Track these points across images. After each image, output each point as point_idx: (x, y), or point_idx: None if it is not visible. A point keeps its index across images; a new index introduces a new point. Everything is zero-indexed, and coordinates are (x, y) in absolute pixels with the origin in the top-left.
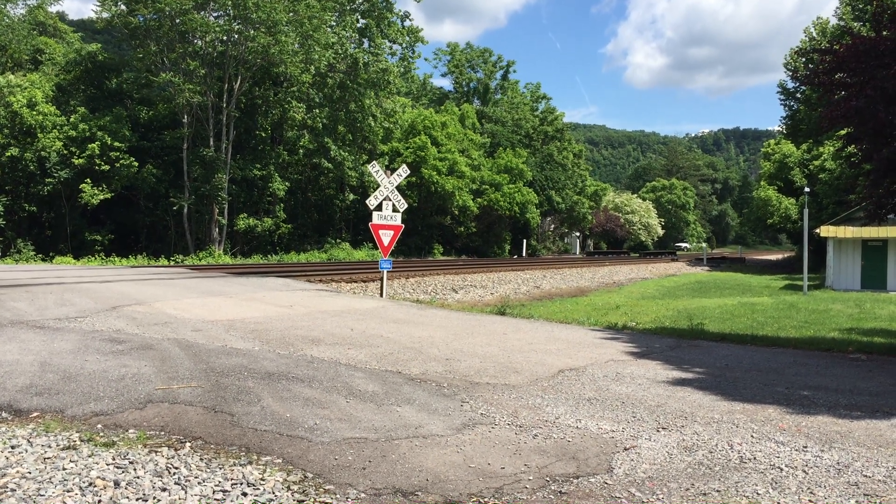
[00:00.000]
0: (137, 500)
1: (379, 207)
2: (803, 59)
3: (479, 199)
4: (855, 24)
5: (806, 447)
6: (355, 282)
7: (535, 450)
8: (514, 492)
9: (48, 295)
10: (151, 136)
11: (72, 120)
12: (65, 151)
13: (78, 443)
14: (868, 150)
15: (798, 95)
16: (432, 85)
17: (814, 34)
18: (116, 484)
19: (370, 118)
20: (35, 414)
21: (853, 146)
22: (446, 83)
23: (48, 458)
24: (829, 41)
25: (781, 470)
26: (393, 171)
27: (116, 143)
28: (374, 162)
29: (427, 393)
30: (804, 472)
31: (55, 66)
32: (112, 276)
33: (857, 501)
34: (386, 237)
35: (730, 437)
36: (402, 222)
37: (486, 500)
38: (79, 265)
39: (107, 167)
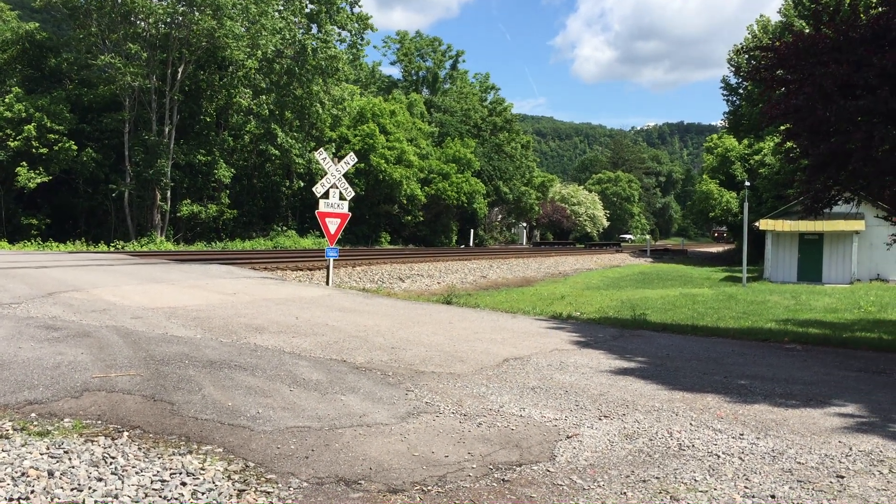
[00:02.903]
0: (72, 490)
1: (326, 195)
2: (746, 56)
3: (426, 189)
4: (797, 21)
5: (742, 435)
6: (301, 270)
7: (479, 438)
8: (457, 480)
9: None
10: (91, 119)
11: (7, 100)
12: (0, 133)
13: (10, 432)
14: (806, 146)
15: (740, 91)
16: (381, 73)
17: (756, 31)
18: (50, 474)
19: (318, 105)
20: None
21: (792, 142)
22: (395, 71)
23: None
24: (771, 38)
25: (719, 457)
26: (341, 158)
27: (55, 126)
28: (322, 149)
29: (372, 381)
30: (740, 458)
31: None
32: (49, 261)
33: (790, 488)
34: (332, 225)
35: (669, 425)
36: (349, 210)
37: (429, 488)
38: (14, 250)
39: (44, 150)
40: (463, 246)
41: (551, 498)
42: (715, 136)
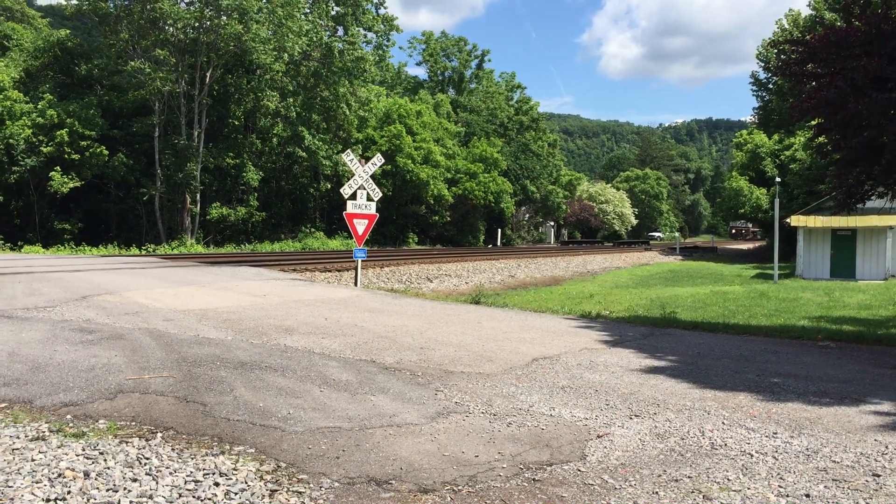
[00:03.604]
0: (108, 490)
1: (353, 196)
2: (775, 51)
3: (453, 189)
4: (828, 14)
5: (776, 433)
6: (329, 271)
7: (509, 438)
8: (487, 479)
9: (16, 284)
10: (122, 124)
11: (40, 106)
12: (33, 139)
13: (47, 433)
14: (838, 140)
15: (770, 86)
16: (407, 74)
17: (786, 25)
18: (86, 475)
19: (344, 106)
20: (2, 405)
21: (823, 136)
22: (421, 72)
23: (16, 450)
24: (802, 32)
25: (752, 456)
26: (367, 159)
27: (86, 131)
28: (349, 150)
29: (401, 382)
30: (774, 457)
31: (23, 53)
32: (82, 265)
33: (825, 486)
34: (360, 226)
35: (701, 424)
36: (376, 211)
37: (459, 487)
38: (48, 254)
39: (77, 156)
40: (490, 245)
41: (582, 497)
42: (744, 131)
